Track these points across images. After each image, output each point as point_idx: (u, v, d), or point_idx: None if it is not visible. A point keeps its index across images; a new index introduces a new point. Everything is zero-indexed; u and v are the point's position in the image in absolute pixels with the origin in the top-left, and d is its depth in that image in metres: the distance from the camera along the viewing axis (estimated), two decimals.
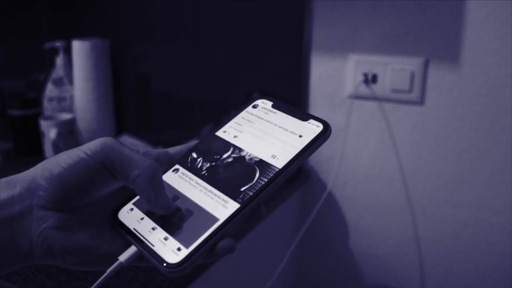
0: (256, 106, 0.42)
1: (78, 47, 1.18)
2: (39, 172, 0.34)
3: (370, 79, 1.02)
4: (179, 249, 0.33)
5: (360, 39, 1.01)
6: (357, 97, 1.04)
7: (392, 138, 1.03)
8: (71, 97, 1.25)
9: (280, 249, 1.06)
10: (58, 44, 1.23)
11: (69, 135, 1.15)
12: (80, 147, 0.35)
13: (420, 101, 0.99)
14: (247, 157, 0.38)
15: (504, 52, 0.91)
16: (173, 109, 1.24)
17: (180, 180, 0.39)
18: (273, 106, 0.41)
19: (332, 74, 1.05)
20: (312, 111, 1.08)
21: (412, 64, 0.98)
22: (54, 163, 0.34)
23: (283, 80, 1.09)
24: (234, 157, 0.38)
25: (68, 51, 1.26)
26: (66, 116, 1.18)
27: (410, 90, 0.99)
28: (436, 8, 0.94)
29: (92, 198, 0.35)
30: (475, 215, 1.00)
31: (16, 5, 1.38)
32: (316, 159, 1.11)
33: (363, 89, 1.03)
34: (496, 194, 0.97)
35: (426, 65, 0.97)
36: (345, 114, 1.05)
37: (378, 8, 0.98)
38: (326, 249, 1.16)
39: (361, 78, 1.02)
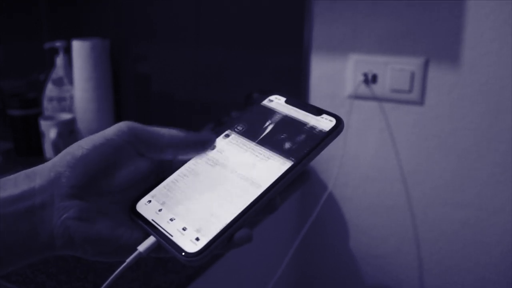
0: (271, 101, 0.43)
1: (78, 47, 1.18)
2: (58, 161, 0.35)
3: (370, 79, 1.02)
4: (197, 239, 0.34)
5: (360, 39, 1.01)
6: (357, 97, 1.04)
7: (392, 138, 1.03)
8: (71, 97, 1.25)
9: (281, 250, 1.06)
10: (58, 44, 1.23)
11: (69, 135, 1.15)
12: (101, 132, 0.37)
13: (420, 101, 0.99)
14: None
15: (504, 52, 0.91)
16: (173, 109, 1.24)
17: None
18: (286, 102, 0.42)
19: (332, 74, 1.05)
20: None
21: (412, 64, 0.98)
22: (76, 147, 0.35)
23: (283, 80, 1.09)
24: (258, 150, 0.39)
25: (68, 51, 1.26)
26: (66, 116, 1.18)
27: (410, 90, 0.99)
28: (436, 8, 0.94)
29: (114, 183, 0.36)
30: (475, 215, 1.00)
31: (16, 5, 1.38)
32: (316, 159, 1.11)
33: (363, 89, 1.03)
34: (496, 194, 0.97)
35: (426, 65, 0.97)
36: (345, 114, 1.05)
37: (378, 8, 0.98)
38: (327, 249, 1.16)
39: (361, 78, 1.02)
